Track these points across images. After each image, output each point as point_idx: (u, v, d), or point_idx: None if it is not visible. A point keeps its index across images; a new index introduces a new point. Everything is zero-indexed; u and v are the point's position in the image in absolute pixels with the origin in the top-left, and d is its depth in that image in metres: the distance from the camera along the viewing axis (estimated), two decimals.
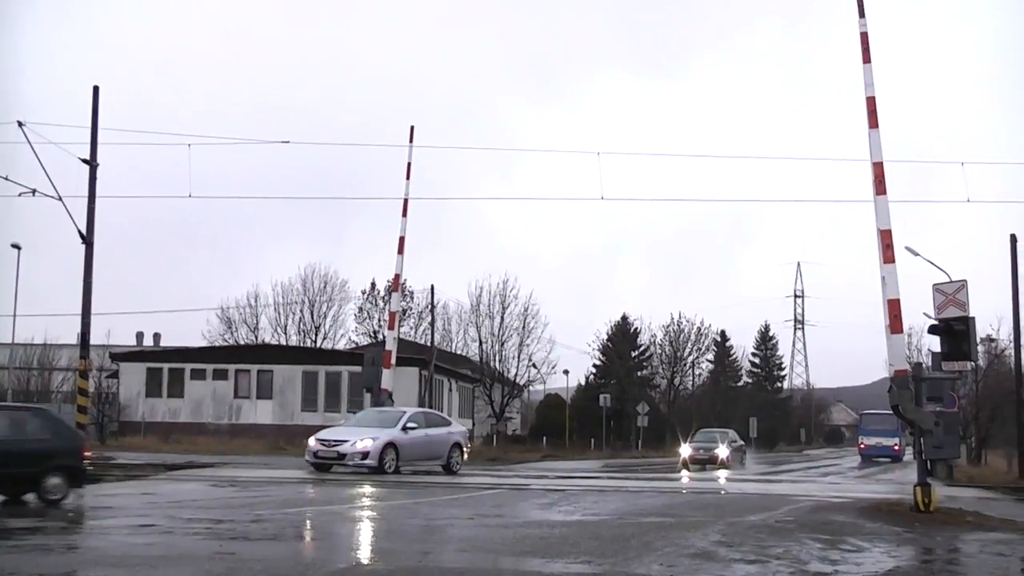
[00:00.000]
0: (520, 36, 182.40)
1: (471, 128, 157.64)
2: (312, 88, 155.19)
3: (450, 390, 59.30)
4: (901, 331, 16.75)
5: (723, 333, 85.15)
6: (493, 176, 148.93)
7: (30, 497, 15.87)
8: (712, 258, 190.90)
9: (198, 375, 52.18)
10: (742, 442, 45.60)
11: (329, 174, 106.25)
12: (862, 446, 59.95)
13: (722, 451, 38.41)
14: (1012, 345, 35.30)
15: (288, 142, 29.62)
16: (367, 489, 20.03)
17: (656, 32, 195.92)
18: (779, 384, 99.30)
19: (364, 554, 11.20)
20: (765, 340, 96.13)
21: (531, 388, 70.57)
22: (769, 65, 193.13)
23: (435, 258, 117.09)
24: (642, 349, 75.60)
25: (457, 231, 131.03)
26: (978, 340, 20.66)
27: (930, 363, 27.98)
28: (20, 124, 24.65)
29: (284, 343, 62.93)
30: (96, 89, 27.15)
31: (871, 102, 17.48)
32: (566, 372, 64.76)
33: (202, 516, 14.02)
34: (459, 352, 63.68)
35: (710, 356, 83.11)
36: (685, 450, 39.44)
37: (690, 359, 77.40)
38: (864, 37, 17.77)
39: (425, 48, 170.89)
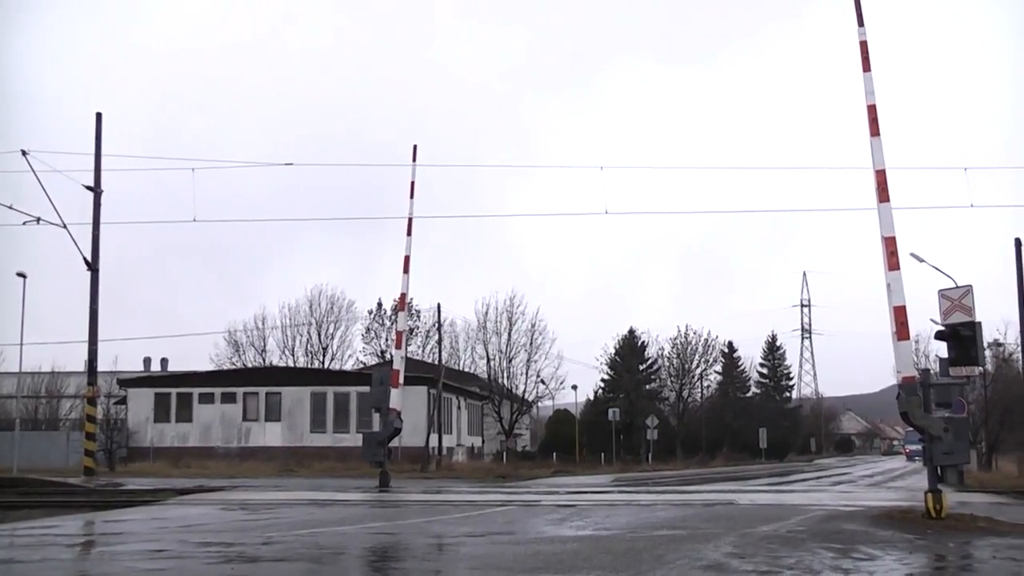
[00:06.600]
0: (529, 41, 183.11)
1: (492, 136, 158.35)
2: (317, 113, 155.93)
3: (459, 408, 59.29)
4: (908, 338, 16.69)
5: (730, 344, 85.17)
6: (513, 183, 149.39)
7: None
8: (720, 269, 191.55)
9: (206, 399, 52.25)
10: None
11: (336, 195, 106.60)
12: (907, 451, 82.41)
13: None
14: (1020, 349, 35.25)
15: (291, 164, 29.78)
16: (374, 511, 20.00)
17: (672, 36, 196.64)
18: (788, 394, 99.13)
19: (376, 573, 11.19)
20: (772, 350, 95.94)
21: (540, 404, 70.60)
22: (776, 74, 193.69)
23: (444, 275, 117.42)
24: (650, 362, 75.66)
25: (469, 246, 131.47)
26: (985, 345, 20.69)
27: (938, 369, 27.93)
28: (24, 153, 24.86)
29: (292, 365, 63.00)
30: (99, 116, 27.35)
31: (872, 110, 17.52)
32: (575, 387, 64.83)
33: (212, 540, 14.01)
34: (467, 370, 63.73)
35: (718, 368, 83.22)
36: None
37: (698, 371, 77.73)
38: (864, 46, 17.84)
39: (445, 54, 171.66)
